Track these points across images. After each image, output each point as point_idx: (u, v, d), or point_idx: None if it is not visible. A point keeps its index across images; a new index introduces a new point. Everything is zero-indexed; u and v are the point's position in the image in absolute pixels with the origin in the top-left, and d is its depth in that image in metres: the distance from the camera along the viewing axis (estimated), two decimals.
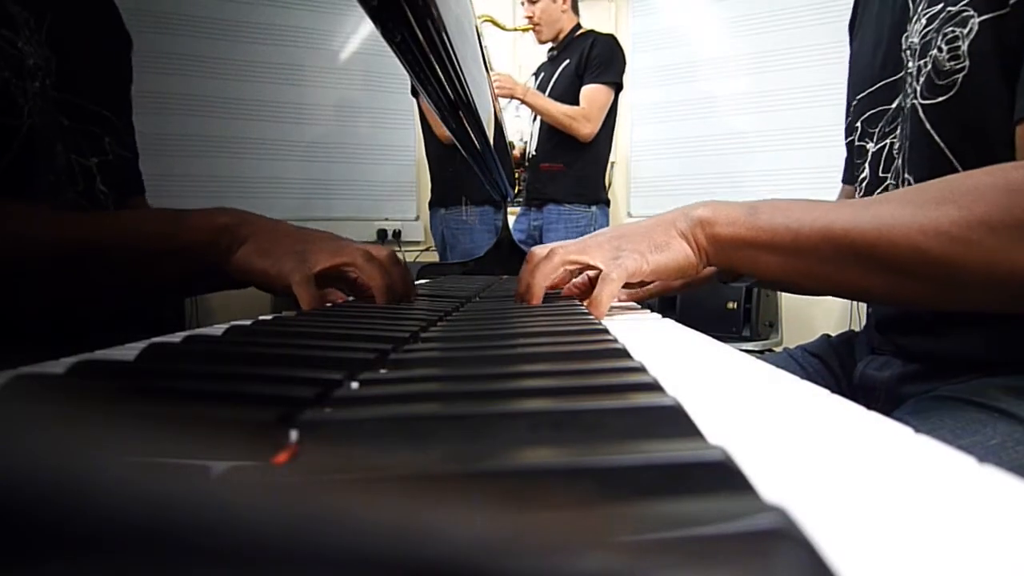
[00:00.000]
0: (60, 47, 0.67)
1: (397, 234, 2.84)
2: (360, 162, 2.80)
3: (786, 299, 2.46)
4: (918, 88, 0.55)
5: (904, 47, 0.59)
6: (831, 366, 0.71)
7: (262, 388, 0.21)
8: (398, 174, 2.86)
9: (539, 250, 0.58)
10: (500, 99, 2.00)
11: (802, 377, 0.26)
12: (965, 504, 0.12)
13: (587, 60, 2.01)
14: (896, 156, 0.60)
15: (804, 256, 0.48)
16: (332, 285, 0.61)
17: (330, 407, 0.19)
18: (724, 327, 2.22)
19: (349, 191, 2.78)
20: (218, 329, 0.36)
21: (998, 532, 0.11)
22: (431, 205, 2.18)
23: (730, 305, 2.26)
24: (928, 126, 0.54)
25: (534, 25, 2.10)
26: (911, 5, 0.59)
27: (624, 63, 2.06)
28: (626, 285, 0.56)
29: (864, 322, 0.73)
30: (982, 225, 0.41)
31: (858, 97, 0.67)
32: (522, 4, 2.14)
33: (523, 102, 2.02)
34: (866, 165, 0.65)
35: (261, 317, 0.47)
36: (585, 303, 0.56)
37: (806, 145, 2.63)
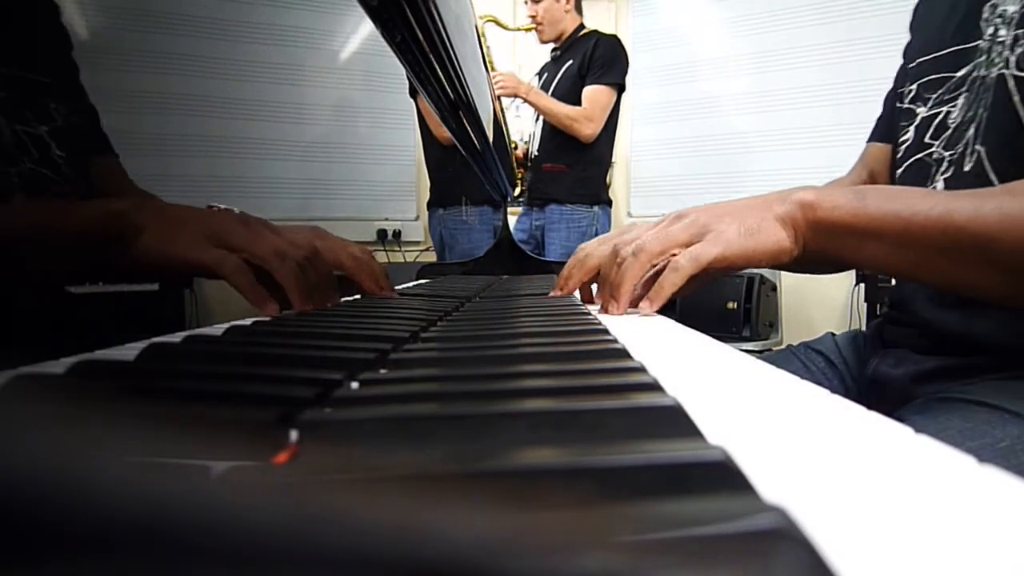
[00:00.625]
0: None
1: (397, 234, 2.84)
2: (360, 162, 2.81)
3: (786, 299, 2.46)
4: (1012, 58, 0.53)
5: (989, 16, 0.56)
6: (836, 364, 0.71)
7: (262, 388, 0.21)
8: (398, 174, 2.86)
9: (623, 241, 0.54)
10: (503, 98, 2.00)
11: (805, 375, 0.26)
12: (965, 504, 0.12)
13: (590, 61, 2.01)
14: (951, 125, 0.58)
15: (916, 247, 0.45)
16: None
17: (330, 407, 0.19)
18: (724, 327, 2.22)
19: (349, 191, 2.78)
20: (218, 329, 0.36)
21: (998, 532, 0.11)
22: (429, 205, 2.18)
23: (730, 305, 2.26)
24: (1016, 99, 0.52)
25: (536, 25, 2.10)
26: None
27: (627, 64, 2.06)
28: (708, 273, 0.52)
29: (865, 322, 0.73)
30: None
31: (919, 61, 0.64)
32: (525, 3, 2.13)
33: (526, 101, 2.02)
34: (912, 128, 0.63)
35: (261, 317, 0.47)
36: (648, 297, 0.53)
37: (806, 145, 2.63)
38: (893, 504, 0.13)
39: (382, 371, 0.25)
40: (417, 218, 2.87)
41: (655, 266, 0.53)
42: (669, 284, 0.50)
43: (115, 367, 0.25)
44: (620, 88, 2.04)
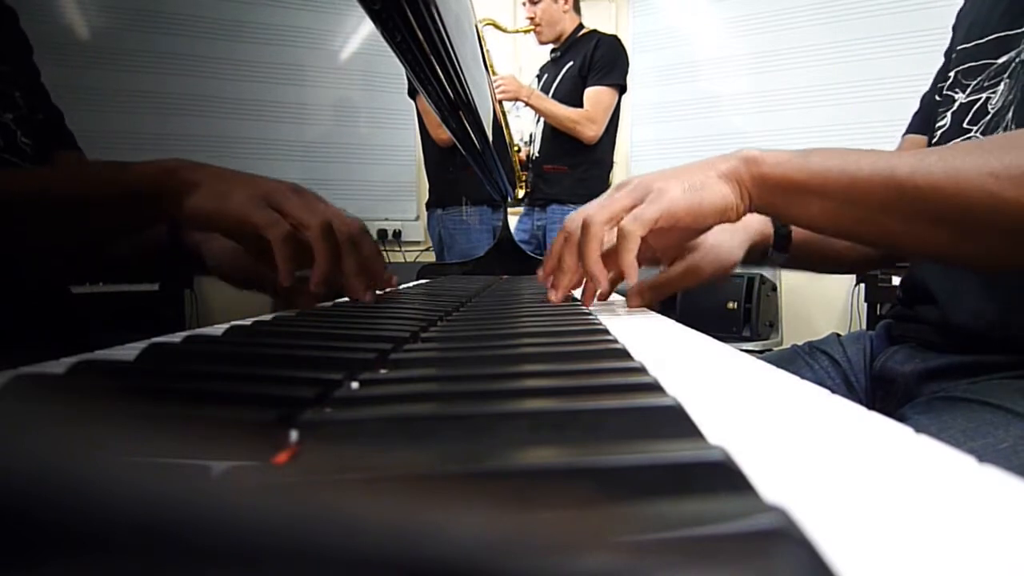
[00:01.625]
0: None
1: (397, 234, 2.84)
2: (360, 162, 2.81)
3: (786, 299, 2.46)
4: None
5: None
6: (840, 363, 0.70)
7: (262, 388, 0.21)
8: (398, 174, 2.86)
9: (572, 227, 0.54)
10: (504, 102, 2.01)
11: (808, 374, 0.25)
12: (965, 504, 0.12)
13: (590, 62, 2.01)
14: (991, 111, 0.57)
15: (861, 203, 0.45)
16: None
17: (330, 407, 0.19)
18: (724, 327, 2.22)
19: (349, 191, 2.78)
20: (218, 329, 0.36)
21: (998, 532, 0.11)
22: (428, 206, 2.18)
23: (730, 305, 2.26)
24: None
25: (535, 26, 2.10)
26: None
27: (627, 64, 2.07)
28: (658, 233, 0.51)
29: (865, 323, 0.73)
30: None
31: (960, 48, 0.64)
32: (523, 4, 2.13)
33: (527, 104, 2.02)
34: (948, 114, 0.62)
35: (261, 317, 0.47)
36: (611, 273, 0.52)
37: (806, 145, 2.62)
38: (893, 504, 0.13)
39: (382, 371, 0.25)
40: (417, 218, 2.88)
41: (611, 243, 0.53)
42: (626, 252, 0.49)
43: (115, 367, 0.25)
44: (621, 89, 2.04)
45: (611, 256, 0.53)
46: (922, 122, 0.73)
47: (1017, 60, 0.56)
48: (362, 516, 0.07)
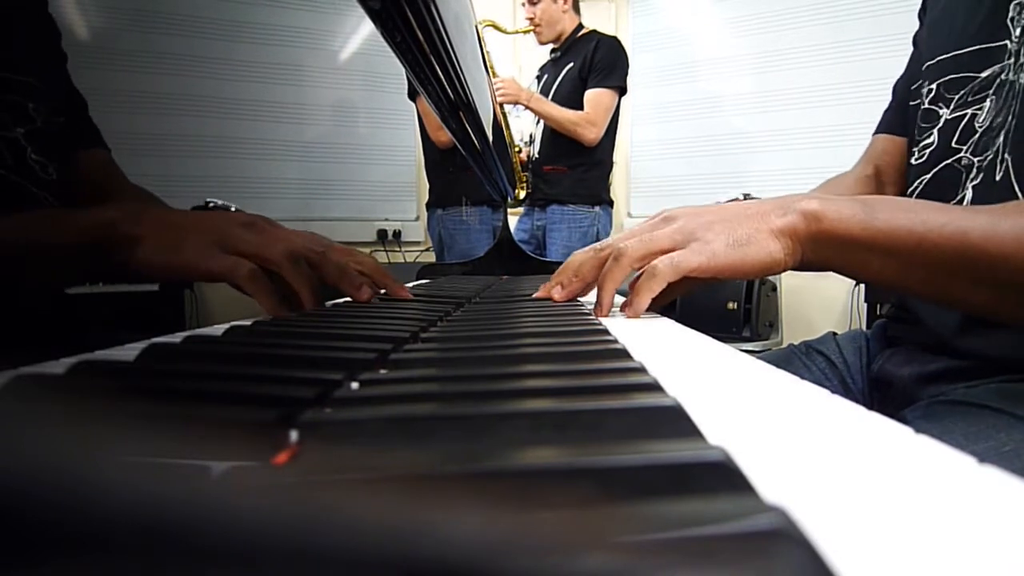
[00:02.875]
0: None
1: (397, 234, 2.84)
2: (360, 162, 2.81)
3: (786, 299, 2.46)
4: None
5: (1015, 15, 0.54)
6: (836, 364, 0.70)
7: (262, 388, 0.21)
8: (398, 174, 2.86)
9: (607, 248, 0.53)
10: (505, 105, 2.01)
11: (805, 374, 0.25)
12: (965, 504, 0.12)
13: (591, 63, 2.02)
14: (978, 129, 0.56)
15: (928, 265, 0.43)
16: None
17: (330, 407, 0.19)
18: (724, 327, 2.22)
19: (349, 191, 2.78)
20: (218, 329, 0.36)
21: (998, 532, 0.11)
22: (428, 206, 2.18)
23: (730, 305, 2.26)
24: None
25: (535, 26, 2.10)
26: None
27: (627, 66, 2.07)
28: (688, 280, 0.50)
29: (865, 323, 0.73)
30: None
31: (939, 58, 0.62)
32: (523, 5, 2.14)
33: (527, 107, 2.02)
34: (935, 132, 0.61)
35: (261, 317, 0.47)
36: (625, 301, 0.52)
37: (807, 145, 2.63)
38: (893, 504, 0.13)
39: (382, 371, 0.25)
40: (417, 218, 2.88)
41: (637, 270, 0.51)
42: (646, 290, 0.48)
43: (115, 367, 0.25)
44: (622, 91, 2.05)
45: (633, 283, 0.53)
46: (898, 122, 0.72)
47: (1002, 76, 0.55)
48: (362, 516, 0.07)
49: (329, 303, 0.58)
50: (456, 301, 0.60)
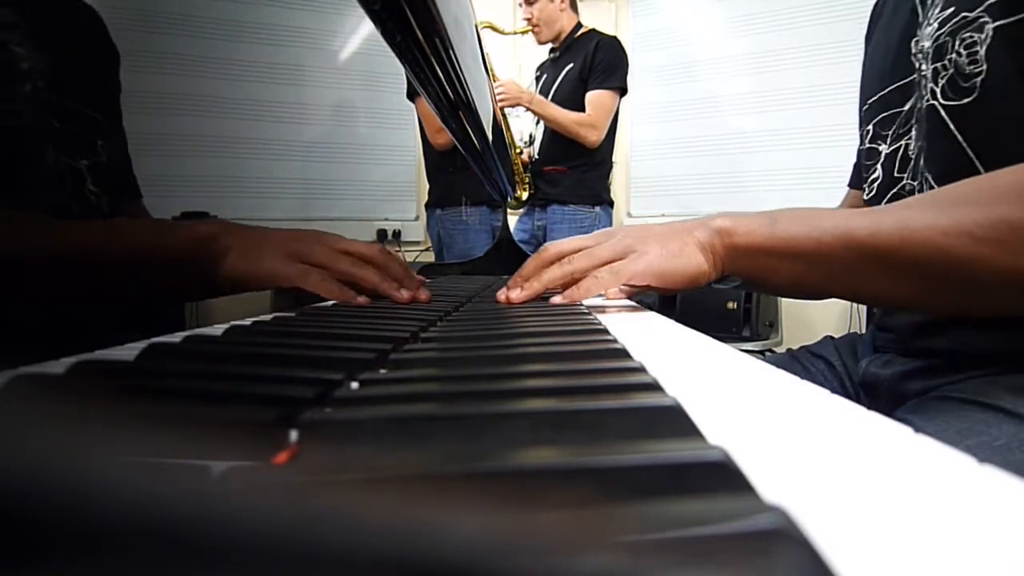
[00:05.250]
0: (53, 51, 0.68)
1: (397, 234, 2.84)
2: (360, 162, 2.80)
3: (786, 299, 2.46)
4: (937, 90, 0.56)
5: (915, 51, 0.60)
6: (835, 367, 0.71)
7: (262, 388, 0.21)
8: (398, 174, 2.86)
9: (553, 249, 0.58)
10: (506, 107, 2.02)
11: (804, 378, 0.26)
12: (965, 504, 0.12)
13: (591, 64, 2.01)
14: (912, 156, 0.61)
15: (825, 263, 0.48)
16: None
17: (330, 407, 0.19)
18: (724, 327, 2.22)
19: (349, 191, 2.78)
20: (218, 329, 0.36)
21: (998, 532, 0.11)
22: (427, 206, 2.18)
23: (730, 305, 2.26)
24: (951, 126, 0.55)
25: (533, 26, 2.10)
26: (920, 11, 0.60)
27: (627, 66, 2.07)
28: (628, 290, 0.57)
29: (865, 324, 0.74)
30: (1003, 224, 0.41)
31: (869, 102, 0.68)
32: (520, 5, 2.13)
33: (528, 110, 2.02)
34: (878, 166, 0.66)
35: (261, 317, 0.47)
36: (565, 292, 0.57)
37: (807, 145, 2.63)
38: (893, 504, 0.13)
39: (382, 371, 0.25)
40: (417, 218, 2.87)
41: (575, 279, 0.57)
42: (584, 289, 0.54)
43: (115, 367, 0.25)
44: (622, 91, 2.05)
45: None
46: (858, 177, 0.76)
47: (918, 105, 0.60)
48: (362, 516, 0.07)
49: (329, 302, 0.58)
50: (456, 301, 0.60)
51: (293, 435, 0.17)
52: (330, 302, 0.57)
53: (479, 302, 0.62)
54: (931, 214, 0.44)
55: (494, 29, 2.21)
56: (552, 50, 2.17)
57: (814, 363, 0.73)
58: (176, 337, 0.34)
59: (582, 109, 2.01)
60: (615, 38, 2.12)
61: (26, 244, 0.50)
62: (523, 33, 2.20)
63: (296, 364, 0.27)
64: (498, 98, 1.94)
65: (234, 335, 0.34)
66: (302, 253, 0.55)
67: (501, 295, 0.58)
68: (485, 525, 0.07)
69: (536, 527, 0.08)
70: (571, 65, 2.07)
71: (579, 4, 2.17)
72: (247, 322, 0.41)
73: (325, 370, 0.23)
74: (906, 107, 0.62)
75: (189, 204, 2.18)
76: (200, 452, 0.11)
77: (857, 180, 0.79)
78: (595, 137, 2.01)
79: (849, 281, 0.49)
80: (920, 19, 0.60)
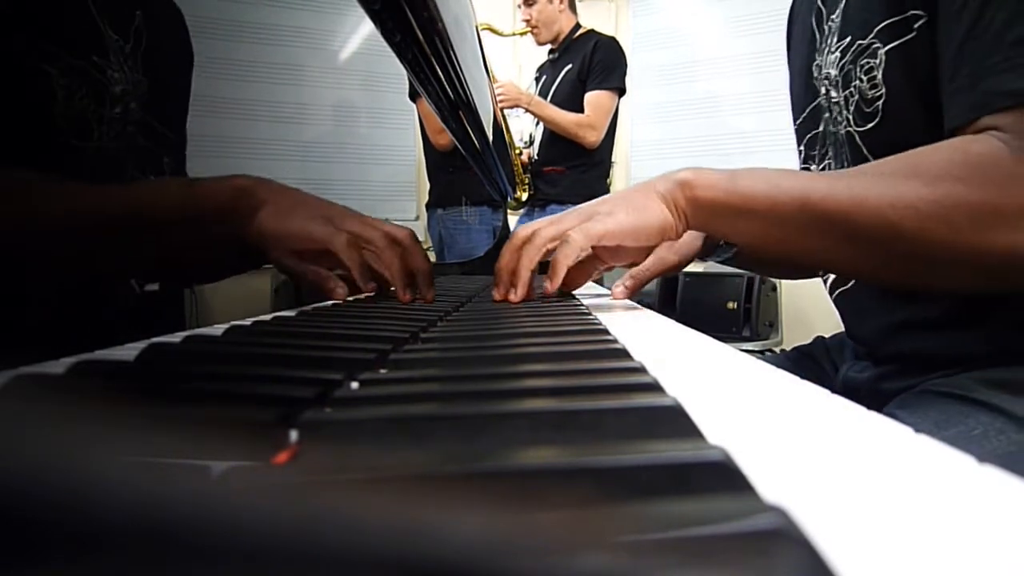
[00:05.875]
0: (150, 71, 0.68)
1: None
2: (360, 162, 2.80)
3: (786, 299, 2.46)
4: (850, 116, 0.57)
5: (817, 76, 0.61)
6: (823, 367, 0.72)
7: (262, 388, 0.21)
8: (398, 174, 2.86)
9: (521, 232, 0.58)
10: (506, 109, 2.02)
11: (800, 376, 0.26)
12: (964, 503, 0.12)
13: (590, 65, 2.02)
14: None
15: (781, 224, 0.49)
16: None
17: (330, 407, 0.19)
18: (724, 327, 2.22)
19: (349, 191, 2.78)
20: (218, 329, 0.36)
21: (997, 531, 0.11)
22: (428, 206, 2.18)
23: (730, 305, 2.26)
24: (866, 151, 0.56)
25: (532, 27, 2.10)
26: (817, 37, 0.61)
27: (626, 66, 2.07)
28: (602, 252, 0.56)
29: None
30: (945, 201, 0.42)
31: (798, 121, 0.70)
32: (518, 7, 2.14)
33: (528, 111, 2.03)
34: None
35: (261, 317, 0.47)
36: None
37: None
38: (893, 503, 0.13)
39: (382, 371, 0.25)
40: (417, 218, 2.87)
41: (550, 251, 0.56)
42: (563, 257, 0.53)
43: (115, 367, 0.25)
44: (621, 92, 2.05)
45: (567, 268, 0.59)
46: None
47: (827, 129, 0.62)
48: (362, 516, 0.07)
49: (330, 302, 0.58)
50: (456, 301, 0.60)
51: (293, 435, 0.17)
52: (330, 302, 0.57)
53: (479, 302, 0.62)
54: (883, 184, 0.45)
55: (493, 31, 2.21)
56: (551, 51, 2.17)
57: (803, 364, 0.73)
58: (176, 337, 0.34)
59: (581, 110, 2.01)
60: (613, 38, 2.12)
61: (44, 211, 0.49)
62: (522, 35, 2.21)
63: (296, 364, 0.27)
64: (498, 99, 1.94)
65: (234, 335, 0.34)
66: (334, 219, 0.54)
67: (496, 294, 0.58)
68: (485, 525, 0.07)
69: (536, 527, 0.08)
70: (569, 66, 2.07)
71: (579, 4, 2.17)
72: (247, 322, 0.41)
73: (325, 370, 0.23)
74: (819, 129, 0.63)
75: None
76: (200, 452, 0.11)
77: None
78: (594, 137, 2.01)
79: (803, 243, 0.49)
80: (819, 44, 0.61)
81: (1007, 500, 0.12)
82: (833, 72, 0.58)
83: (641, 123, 2.94)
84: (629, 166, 2.96)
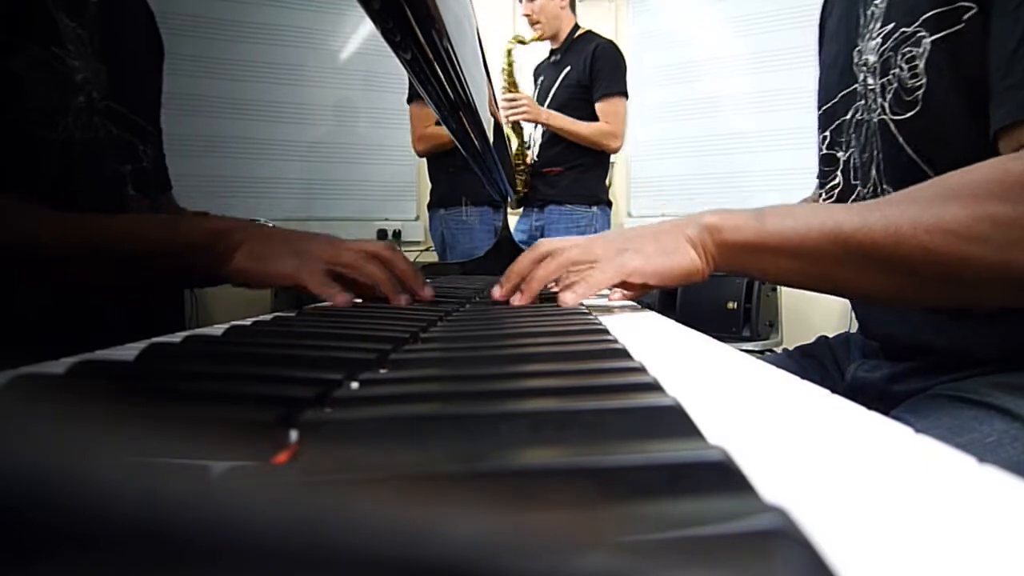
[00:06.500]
0: (110, 59, 0.68)
1: (397, 234, 2.84)
2: (360, 162, 2.80)
3: (786, 299, 2.46)
4: (885, 104, 0.57)
5: (857, 61, 0.61)
6: (827, 367, 0.72)
7: (262, 388, 0.21)
8: (398, 174, 2.86)
9: (546, 244, 0.58)
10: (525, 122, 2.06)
11: (801, 376, 0.26)
12: (965, 503, 0.12)
13: (592, 72, 2.04)
14: (860, 167, 0.62)
15: (813, 259, 0.49)
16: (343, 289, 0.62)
17: (330, 407, 0.19)
18: (724, 327, 2.22)
19: (349, 191, 2.78)
20: (218, 329, 0.36)
21: (997, 531, 0.11)
22: (430, 206, 2.19)
23: (730, 305, 2.26)
24: (901, 140, 0.56)
25: (533, 22, 2.11)
26: (861, 22, 0.60)
27: (626, 68, 2.10)
28: (626, 285, 0.57)
29: (857, 325, 0.74)
30: (985, 220, 0.42)
31: (824, 108, 0.69)
32: (520, 1, 2.14)
33: (547, 126, 2.05)
34: (839, 173, 0.67)
35: (261, 317, 0.47)
36: (559, 288, 0.56)
37: (806, 145, 2.61)
38: (893, 503, 0.13)
39: (382, 371, 0.25)
40: (417, 218, 2.87)
41: (569, 272, 0.57)
42: (591, 286, 0.54)
43: (115, 367, 0.25)
44: (626, 95, 2.08)
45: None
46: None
47: (858, 116, 0.61)
48: (362, 516, 0.07)
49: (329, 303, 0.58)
50: (456, 301, 0.60)
51: (293, 435, 0.17)
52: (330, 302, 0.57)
53: (479, 302, 0.62)
54: (916, 210, 0.44)
55: (522, 42, 2.22)
56: (552, 51, 2.17)
57: (807, 363, 0.73)
58: (176, 337, 0.34)
59: (581, 112, 2.03)
60: (612, 42, 2.13)
61: (32, 235, 0.52)
62: (540, 40, 2.21)
63: (296, 364, 0.27)
64: (518, 113, 1.99)
65: (234, 335, 0.34)
66: (307, 252, 0.56)
67: (496, 292, 0.58)
68: (485, 525, 0.07)
69: (536, 527, 0.08)
70: (569, 68, 2.08)
71: (579, 4, 2.18)
72: (247, 322, 0.41)
73: (325, 370, 0.23)
74: (847, 116, 0.63)
75: (189, 204, 2.18)
76: (200, 452, 0.11)
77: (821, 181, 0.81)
78: (617, 144, 2.06)
79: (837, 276, 0.49)
80: (862, 30, 0.60)
81: (1007, 500, 0.12)
82: (872, 58, 0.58)
83: (641, 123, 2.94)
84: (629, 166, 2.96)
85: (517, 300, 0.56)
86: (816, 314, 2.56)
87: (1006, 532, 0.11)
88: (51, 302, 0.58)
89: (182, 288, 0.68)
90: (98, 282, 0.57)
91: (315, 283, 0.54)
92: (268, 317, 0.46)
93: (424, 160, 2.18)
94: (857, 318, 0.69)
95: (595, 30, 2.16)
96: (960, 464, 0.15)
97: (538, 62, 2.27)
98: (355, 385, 0.23)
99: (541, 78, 2.20)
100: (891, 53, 0.55)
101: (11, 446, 0.07)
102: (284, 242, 0.57)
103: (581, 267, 0.56)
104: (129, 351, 0.30)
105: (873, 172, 0.60)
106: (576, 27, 2.14)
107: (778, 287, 2.38)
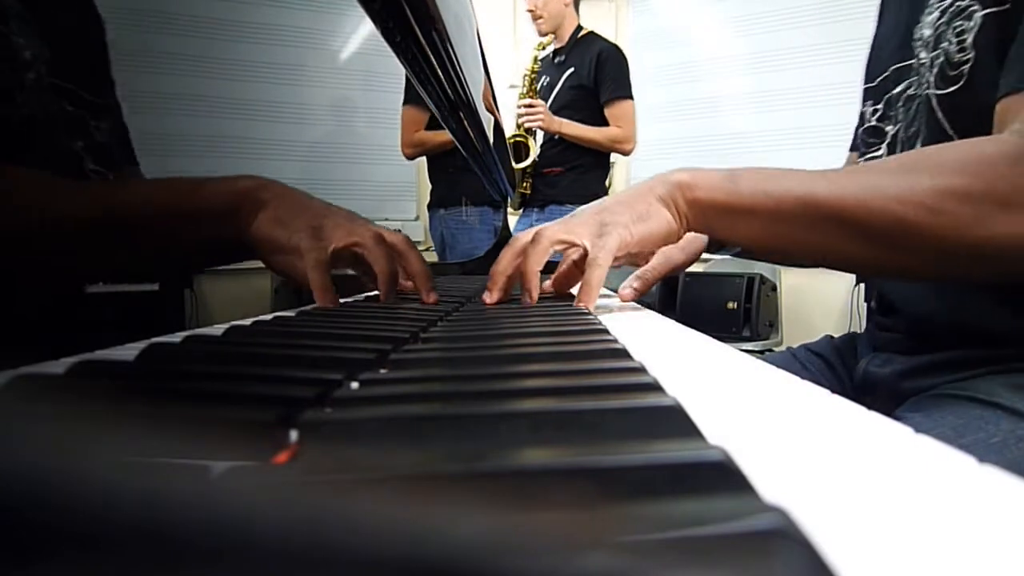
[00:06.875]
0: (50, 37, 0.68)
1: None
2: (360, 162, 2.81)
3: (786, 299, 2.46)
4: (931, 79, 0.56)
5: (915, 36, 0.60)
6: (834, 366, 0.71)
7: (262, 388, 0.21)
8: (398, 174, 2.86)
9: (521, 236, 0.57)
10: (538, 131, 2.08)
11: (804, 377, 0.26)
12: (965, 504, 0.12)
13: (598, 75, 2.05)
14: (905, 140, 0.61)
15: (786, 223, 0.48)
16: (346, 266, 0.60)
17: (330, 407, 0.19)
18: (724, 327, 2.22)
19: (349, 191, 2.78)
20: (218, 329, 0.36)
21: (998, 531, 0.11)
22: (430, 207, 2.19)
23: (730, 305, 2.26)
24: (940, 115, 0.55)
25: (536, 17, 2.11)
26: None
27: (629, 70, 2.11)
28: (617, 261, 0.56)
29: (864, 323, 0.73)
30: (953, 194, 0.42)
31: (877, 79, 0.68)
32: None
33: (560, 134, 2.06)
34: (884, 146, 0.66)
35: (261, 317, 0.47)
36: (577, 291, 0.55)
37: (806, 145, 2.63)
38: (893, 503, 0.13)
39: (382, 371, 0.25)
40: (417, 218, 2.87)
41: (558, 251, 0.56)
42: (597, 280, 0.53)
43: (115, 367, 0.25)
44: (633, 97, 2.10)
45: (569, 275, 0.61)
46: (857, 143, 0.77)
47: (909, 91, 0.60)
48: (362, 516, 0.07)
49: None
50: (456, 301, 0.60)
51: (293, 435, 0.17)
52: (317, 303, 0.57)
53: (479, 302, 0.62)
54: (888, 180, 0.44)
55: (543, 47, 2.22)
56: (556, 52, 2.17)
57: (813, 362, 0.73)
58: (176, 337, 0.34)
59: (581, 113, 2.05)
60: (616, 46, 2.13)
61: (50, 207, 0.50)
62: (541, 34, 2.21)
63: (296, 364, 0.27)
64: (533, 121, 2.01)
65: (234, 335, 0.34)
66: (325, 229, 0.54)
67: (487, 299, 0.56)
68: (485, 525, 0.07)
69: (536, 527, 0.08)
70: (572, 69, 2.09)
71: (578, 4, 2.18)
72: (247, 322, 0.41)
73: (325, 370, 0.23)
74: (898, 89, 0.62)
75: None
76: (200, 452, 0.11)
77: (856, 146, 0.79)
78: (631, 147, 2.10)
79: (808, 242, 0.49)
80: (924, 5, 0.59)
81: (1007, 500, 0.12)
82: (928, 32, 0.57)
83: (641, 123, 2.92)
84: (629, 166, 2.96)
85: (526, 302, 0.55)
86: (816, 314, 2.57)
87: (1006, 532, 0.11)
88: (50, 302, 0.57)
89: (201, 262, 0.64)
90: (119, 252, 0.53)
91: (315, 281, 0.52)
92: (268, 317, 0.46)
93: (424, 160, 2.18)
94: (877, 307, 0.68)
95: (595, 30, 2.16)
96: (960, 464, 0.15)
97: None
98: (355, 385, 0.23)
99: (544, 78, 2.20)
100: (944, 27, 0.54)
101: (11, 446, 0.07)
102: (308, 216, 0.54)
103: (564, 245, 0.55)
104: (129, 351, 0.30)
105: (918, 147, 0.59)
106: (579, 28, 2.14)
107: (778, 287, 2.38)
